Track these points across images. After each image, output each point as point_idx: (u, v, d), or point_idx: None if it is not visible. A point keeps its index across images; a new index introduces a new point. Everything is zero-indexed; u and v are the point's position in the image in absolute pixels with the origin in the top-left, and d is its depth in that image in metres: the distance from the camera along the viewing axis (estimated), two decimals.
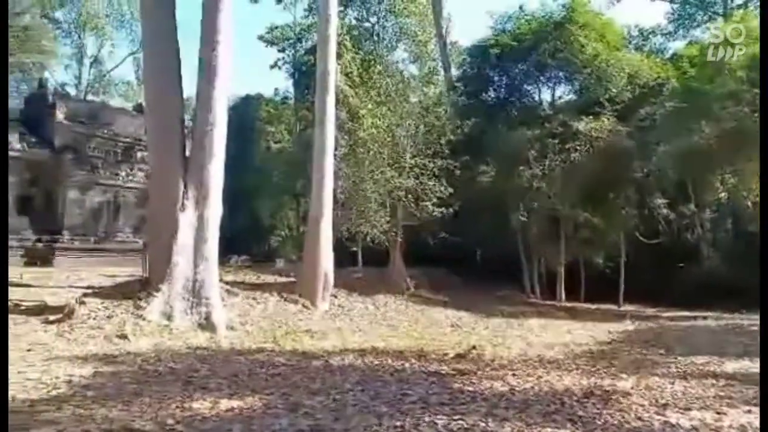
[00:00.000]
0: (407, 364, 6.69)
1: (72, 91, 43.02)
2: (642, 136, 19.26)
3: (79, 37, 45.62)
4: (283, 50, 30.96)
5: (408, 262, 18.26)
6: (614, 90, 20.53)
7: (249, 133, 31.30)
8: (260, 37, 30.69)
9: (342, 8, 18.93)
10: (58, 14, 44.27)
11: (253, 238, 31.22)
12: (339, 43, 15.25)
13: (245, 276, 16.82)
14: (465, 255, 21.57)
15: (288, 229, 33.96)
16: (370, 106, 17.10)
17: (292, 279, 14.94)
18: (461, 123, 18.25)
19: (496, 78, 24.05)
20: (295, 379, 5.61)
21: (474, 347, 7.96)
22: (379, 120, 16.92)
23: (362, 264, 21.00)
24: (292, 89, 32.10)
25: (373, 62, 19.07)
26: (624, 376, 6.20)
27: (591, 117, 19.28)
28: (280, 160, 32.01)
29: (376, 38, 21.20)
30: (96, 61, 46.80)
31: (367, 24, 21.63)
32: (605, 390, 5.41)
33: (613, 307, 18.24)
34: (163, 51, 9.41)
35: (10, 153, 22.24)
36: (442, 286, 18.19)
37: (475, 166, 19.80)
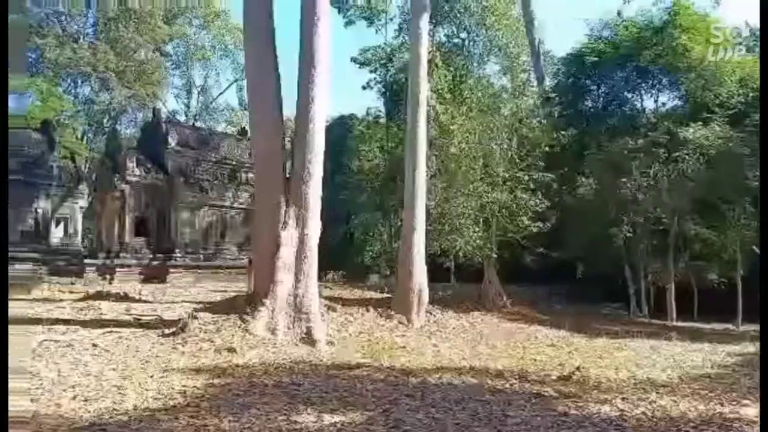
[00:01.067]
0: (507, 384, 6.52)
1: (182, 119, 46.37)
2: (757, 142, 17.76)
3: (188, 68, 49.15)
4: (374, 70, 31.64)
5: (503, 278, 17.88)
6: (724, 95, 19.15)
7: (343, 152, 32.16)
8: (353, 59, 31.54)
9: (432, 26, 19.10)
10: (169, 48, 47.93)
11: (348, 254, 31.86)
12: (429, 61, 15.36)
13: (341, 292, 17.22)
14: (564, 271, 20.79)
15: (381, 244, 34.35)
16: (461, 121, 17.03)
17: (387, 295, 15.09)
18: (557, 134, 17.73)
19: (593, 87, 23.20)
20: (394, 395, 5.63)
21: (578, 368, 7.62)
22: (471, 135, 16.81)
23: (455, 280, 20.81)
24: (383, 108, 32.68)
25: (464, 77, 19.04)
26: (747, 402, 5.68)
27: (700, 124, 18.06)
28: (372, 177, 32.62)
29: (466, 53, 21.18)
30: (203, 90, 50.21)
31: (457, 40, 21.68)
32: (726, 418, 4.98)
33: (730, 326, 16.83)
34: (265, 76, 9.92)
35: (131, 178, 24.28)
36: (540, 304, 17.63)
37: (573, 178, 19.10)
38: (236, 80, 49.45)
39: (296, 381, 6.13)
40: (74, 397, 5.11)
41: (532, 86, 21.42)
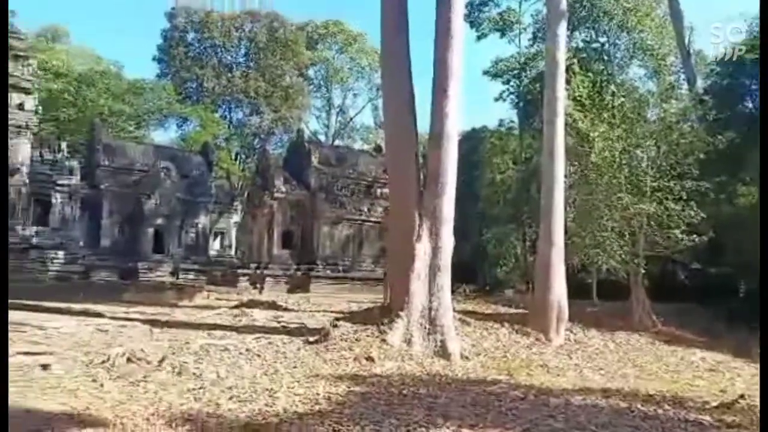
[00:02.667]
0: (660, 410, 6.03)
1: (322, 138, 49.02)
2: None
3: (327, 90, 51.91)
4: (507, 82, 31.20)
5: (652, 295, 16.57)
6: None
7: (475, 165, 31.94)
8: (485, 72, 31.34)
9: (569, 32, 18.44)
10: (310, 72, 50.97)
11: (480, 268, 31.47)
12: (567, 68, 14.82)
13: (475, 306, 17.01)
14: (724, 288, 18.81)
15: (515, 258, 33.52)
16: (602, 129, 16.17)
17: (522, 310, 14.65)
18: (713, 139, 16.17)
19: (754, 86, 20.91)
20: (534, 415, 5.46)
21: (742, 396, 6.85)
22: (613, 142, 15.90)
23: (598, 297, 19.68)
24: (516, 119, 32.06)
25: (604, 83, 18.11)
26: None
27: None
28: (505, 189, 32.06)
29: (606, 58, 20.20)
30: (341, 110, 52.71)
31: (596, 45, 20.74)
32: None
33: None
34: (400, 94, 10.21)
35: (278, 195, 26.10)
36: (696, 324, 16.07)
37: (733, 186, 17.28)
38: (371, 100, 51.33)
39: (433, 393, 6.17)
40: (231, 398, 5.58)
41: (682, 89, 19.81)
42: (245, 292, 20.82)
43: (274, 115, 46.38)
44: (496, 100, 31.85)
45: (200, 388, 5.91)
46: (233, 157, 45.94)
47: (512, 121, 32.45)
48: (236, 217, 31.23)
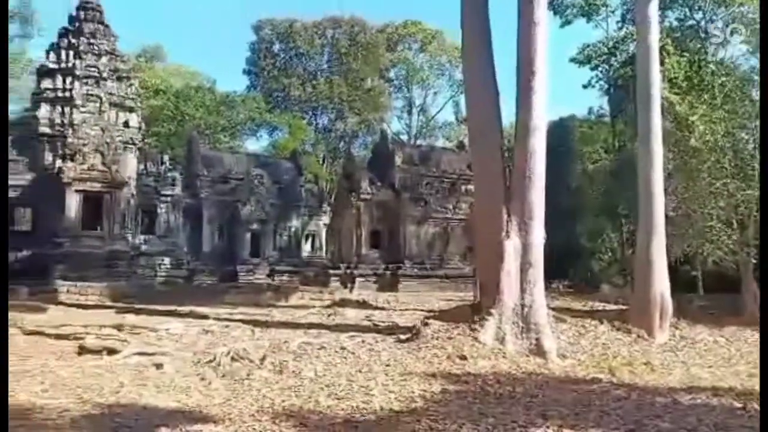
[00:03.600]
0: None
1: (404, 138, 49.30)
2: None
3: (408, 90, 52.12)
4: (595, 68, 29.97)
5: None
6: None
7: (564, 156, 30.89)
8: (572, 59, 30.25)
9: (660, 11, 17.40)
10: (391, 73, 51.37)
11: (573, 263, 30.38)
12: (660, 49, 13.99)
13: (569, 302, 16.46)
14: None
15: (611, 252, 32.10)
16: (701, 111, 15.13)
17: (621, 306, 13.99)
18: None
19: None
20: (638, 415, 5.21)
21: None
22: (715, 125, 14.83)
23: (703, 290, 18.44)
24: (606, 106, 30.70)
25: (702, 62, 16.94)
26: None
27: None
28: (597, 180, 30.76)
29: (703, 35, 18.87)
30: (422, 109, 52.76)
31: (691, 22, 19.44)
32: None
33: None
34: (483, 88, 10.07)
35: (365, 196, 26.53)
36: None
37: None
38: (452, 97, 50.98)
39: (530, 392, 6.05)
40: (329, 395, 5.74)
41: None
42: (337, 291, 21.33)
43: (358, 119, 47.21)
44: (585, 87, 30.70)
45: (300, 385, 6.13)
46: (320, 162, 47.22)
47: (602, 108, 31.15)
48: (325, 220, 32.09)
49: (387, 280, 24.67)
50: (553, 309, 11.66)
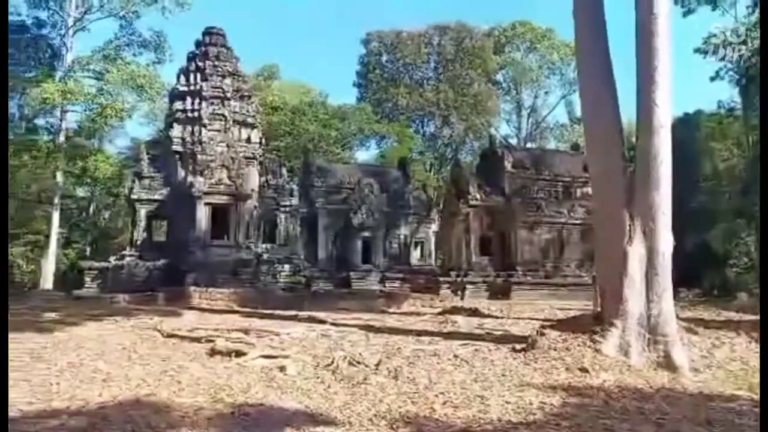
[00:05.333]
0: None
1: (513, 142, 48.25)
2: None
3: (517, 92, 51.01)
4: (724, 58, 27.56)
5: None
6: None
7: (692, 155, 28.69)
8: (697, 50, 28.06)
9: None
10: (498, 76, 50.59)
11: (704, 270, 28.01)
12: None
13: (701, 312, 15.23)
14: None
15: (747, 257, 29.26)
16: None
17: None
18: None
19: None
20: None
21: None
22: None
23: None
24: (738, 99, 28.11)
25: None
26: None
27: None
28: (730, 179, 28.22)
29: None
30: (532, 110, 51.38)
31: None
32: None
33: None
34: (600, 86, 9.61)
35: (473, 202, 26.28)
36: None
37: None
38: (564, 96, 49.17)
39: (660, 408, 5.66)
40: (444, 403, 5.73)
41: None
42: (447, 299, 21.25)
43: (465, 124, 46.97)
44: (713, 79, 28.32)
45: (415, 392, 6.17)
46: (428, 169, 47.46)
47: (733, 102, 28.57)
48: (434, 227, 32.15)
49: (499, 288, 24.20)
50: (684, 320, 10.82)
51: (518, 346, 8.84)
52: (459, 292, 23.74)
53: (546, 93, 50.50)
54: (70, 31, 37.12)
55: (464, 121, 46.71)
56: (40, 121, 40.56)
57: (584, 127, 11.53)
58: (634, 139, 9.89)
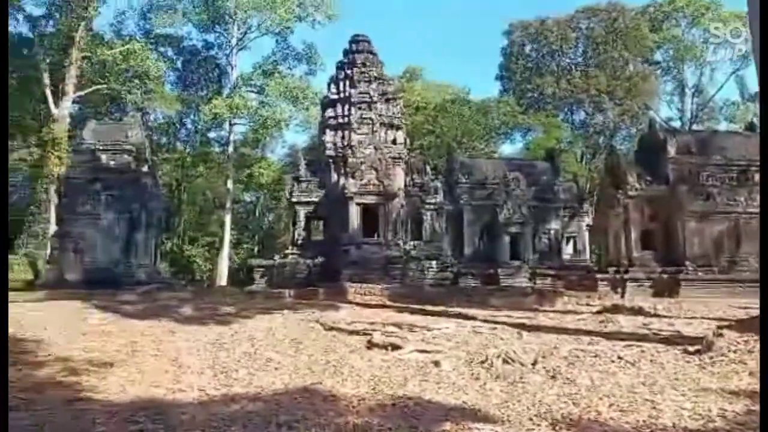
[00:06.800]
0: None
1: (676, 125, 44.18)
2: None
3: (678, 71, 46.63)
4: None
5: None
6: None
7: None
8: None
9: None
10: (657, 55, 46.66)
11: None
12: None
13: None
14: None
15: None
16: None
17: None
18: None
19: None
20: None
21: None
22: None
23: None
24: None
25: None
26: None
27: None
28: None
29: None
30: (697, 90, 46.64)
31: None
32: None
33: None
34: None
35: (632, 192, 24.55)
36: None
37: None
38: (734, 72, 44.02)
39: None
40: (610, 406, 5.44)
41: None
42: (606, 296, 20.06)
43: (619, 109, 44.07)
44: None
45: (576, 393, 5.93)
46: (578, 159, 45.20)
47: None
48: (587, 220, 30.54)
49: (664, 285, 22.29)
50: None
51: (691, 348, 8.12)
52: (619, 290, 22.29)
53: (712, 70, 45.55)
54: (234, 51, 40.91)
55: (618, 105, 43.77)
56: (212, 135, 45.41)
57: (760, 105, 10.24)
58: None
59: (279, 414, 5.21)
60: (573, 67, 46.75)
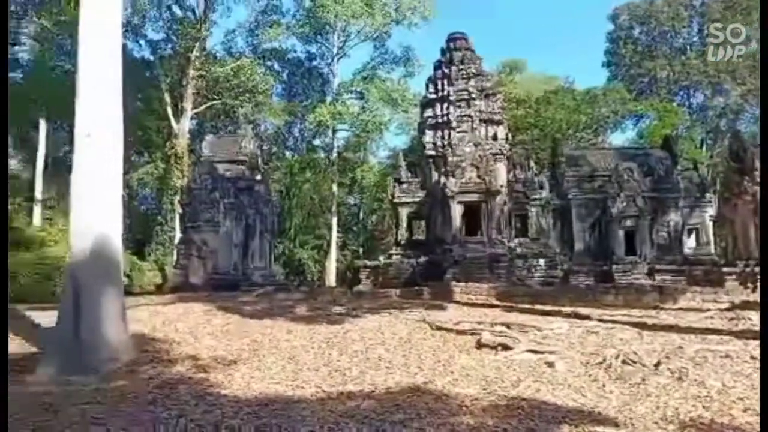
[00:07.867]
0: None
1: None
2: None
3: None
4: None
5: None
6: None
7: None
8: None
9: None
10: None
11: None
12: None
13: None
14: None
15: None
16: None
17: None
18: None
19: None
20: None
21: None
22: None
23: None
24: None
25: None
26: None
27: None
28: None
29: None
30: None
31: None
32: None
33: None
34: None
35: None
36: None
37: None
38: None
39: None
40: (746, 410, 5.03)
41: None
42: (734, 292, 18.42)
43: (742, 89, 40.32)
44: None
45: (706, 396, 5.54)
46: (698, 145, 41.95)
47: None
48: (711, 210, 28.25)
49: None
50: None
51: None
52: (749, 285, 20.37)
53: None
54: (335, 59, 42.17)
55: (742, 85, 40.07)
56: (317, 142, 47.15)
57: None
58: None
59: (393, 412, 5.31)
60: (688, 47, 43.43)
